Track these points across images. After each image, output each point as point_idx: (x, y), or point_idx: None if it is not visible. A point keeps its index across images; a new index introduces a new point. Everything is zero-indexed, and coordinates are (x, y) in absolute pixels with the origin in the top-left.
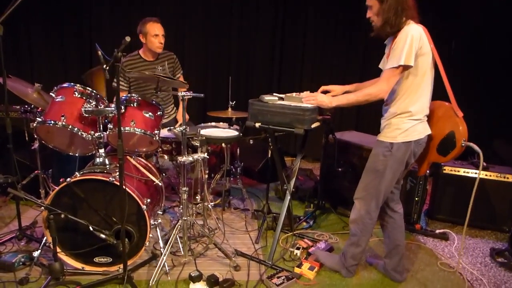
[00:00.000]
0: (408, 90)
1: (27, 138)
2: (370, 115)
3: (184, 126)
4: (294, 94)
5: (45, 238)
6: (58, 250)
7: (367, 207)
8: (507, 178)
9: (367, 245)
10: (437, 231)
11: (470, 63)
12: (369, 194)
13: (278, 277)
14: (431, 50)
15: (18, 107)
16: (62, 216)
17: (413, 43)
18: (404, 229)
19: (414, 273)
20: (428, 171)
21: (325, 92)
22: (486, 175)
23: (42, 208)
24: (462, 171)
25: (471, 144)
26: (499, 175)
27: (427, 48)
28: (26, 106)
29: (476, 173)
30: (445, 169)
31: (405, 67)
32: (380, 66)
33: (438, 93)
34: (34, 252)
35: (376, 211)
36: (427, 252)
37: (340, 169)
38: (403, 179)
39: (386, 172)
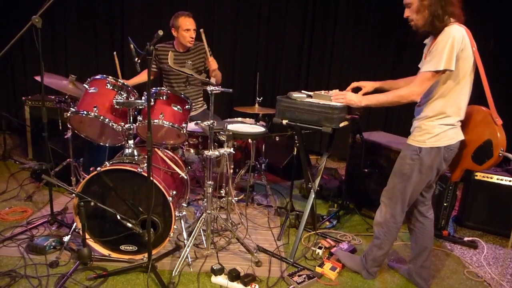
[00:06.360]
0: (445, 93)
1: (60, 127)
2: (399, 116)
3: (212, 121)
4: (322, 92)
5: (75, 224)
6: (87, 236)
7: (393, 210)
8: None
9: (390, 248)
10: (466, 238)
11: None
12: (395, 197)
13: (299, 275)
14: (473, 53)
15: (53, 97)
16: (92, 204)
17: (454, 46)
18: (433, 235)
19: (440, 280)
20: None
21: (355, 88)
22: None
23: (73, 195)
24: (495, 178)
25: (509, 155)
26: None
27: (469, 51)
28: (60, 96)
29: (511, 181)
30: (477, 175)
31: (444, 72)
32: (420, 65)
33: (476, 98)
34: (64, 237)
35: (401, 215)
36: (454, 260)
37: (366, 170)
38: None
39: (413, 176)
